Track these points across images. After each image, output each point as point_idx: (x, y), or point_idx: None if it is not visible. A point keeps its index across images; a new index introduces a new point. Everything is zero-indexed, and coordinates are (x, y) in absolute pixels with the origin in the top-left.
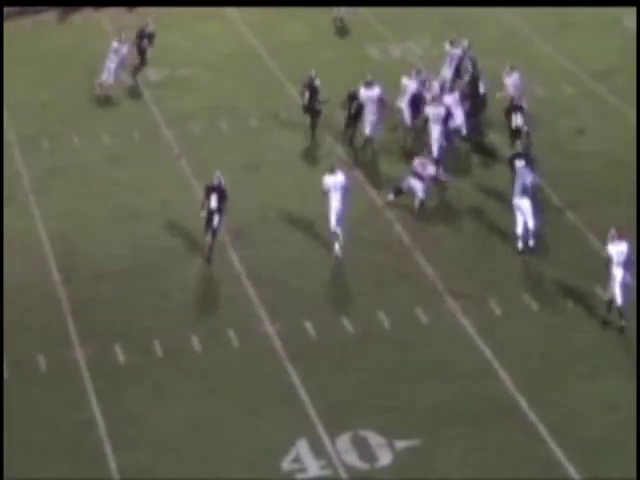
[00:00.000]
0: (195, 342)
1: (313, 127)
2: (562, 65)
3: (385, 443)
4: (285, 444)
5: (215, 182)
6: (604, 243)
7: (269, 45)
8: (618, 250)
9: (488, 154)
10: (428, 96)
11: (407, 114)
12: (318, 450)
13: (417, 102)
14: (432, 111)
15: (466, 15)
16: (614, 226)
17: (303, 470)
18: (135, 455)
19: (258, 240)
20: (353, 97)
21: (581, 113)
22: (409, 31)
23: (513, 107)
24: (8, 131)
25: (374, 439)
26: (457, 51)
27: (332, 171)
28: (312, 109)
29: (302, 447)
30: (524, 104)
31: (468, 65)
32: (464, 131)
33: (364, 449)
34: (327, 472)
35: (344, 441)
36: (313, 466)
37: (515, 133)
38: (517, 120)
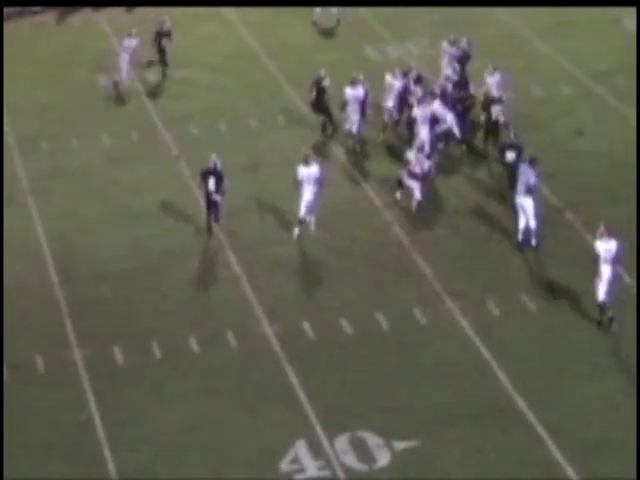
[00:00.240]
0: (194, 343)
1: (323, 126)
2: (561, 65)
3: (384, 444)
4: (284, 445)
5: (211, 165)
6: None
7: (268, 46)
8: (606, 247)
9: (486, 155)
10: (413, 99)
11: (395, 111)
12: (317, 451)
13: (404, 100)
14: (420, 112)
15: (465, 15)
16: (603, 223)
17: (302, 471)
18: (134, 456)
19: (257, 241)
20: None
21: (580, 113)
22: (408, 32)
23: (490, 100)
24: (7, 132)
25: (372, 440)
26: (456, 51)
27: (306, 162)
28: (319, 108)
29: (301, 448)
30: (503, 98)
31: (456, 65)
32: (457, 133)
33: (362, 450)
34: (325, 473)
35: (342, 442)
36: (311, 467)
37: (493, 126)
38: (495, 111)
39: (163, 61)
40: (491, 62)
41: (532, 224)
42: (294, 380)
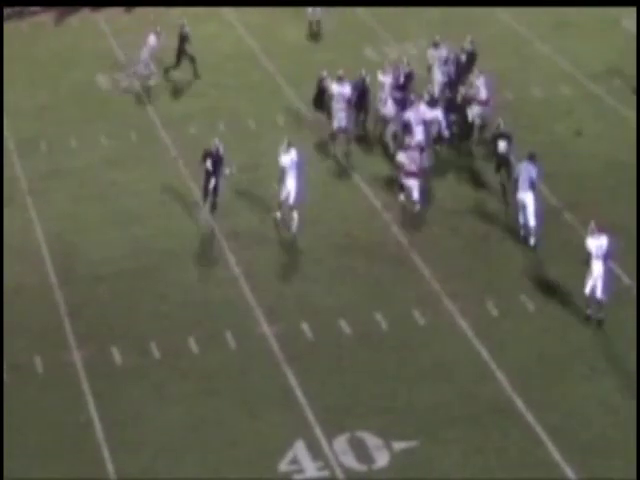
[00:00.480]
0: (193, 343)
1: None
2: (560, 66)
3: (382, 444)
4: (283, 445)
5: (212, 149)
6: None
7: (267, 46)
8: (597, 244)
9: (485, 155)
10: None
11: (389, 110)
12: (315, 451)
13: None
14: (413, 114)
15: (464, 16)
16: (594, 220)
17: (300, 471)
18: (133, 456)
19: (256, 242)
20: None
21: (579, 114)
22: (406, 32)
23: (467, 101)
24: (6, 133)
25: (371, 440)
26: (442, 53)
27: (287, 150)
28: (320, 107)
29: (299, 448)
30: (482, 97)
31: (451, 68)
32: (446, 133)
33: (361, 450)
34: (324, 473)
35: (341, 442)
36: (310, 467)
37: (468, 127)
38: (472, 113)
39: (179, 63)
40: (490, 62)
41: (531, 223)
42: (293, 381)
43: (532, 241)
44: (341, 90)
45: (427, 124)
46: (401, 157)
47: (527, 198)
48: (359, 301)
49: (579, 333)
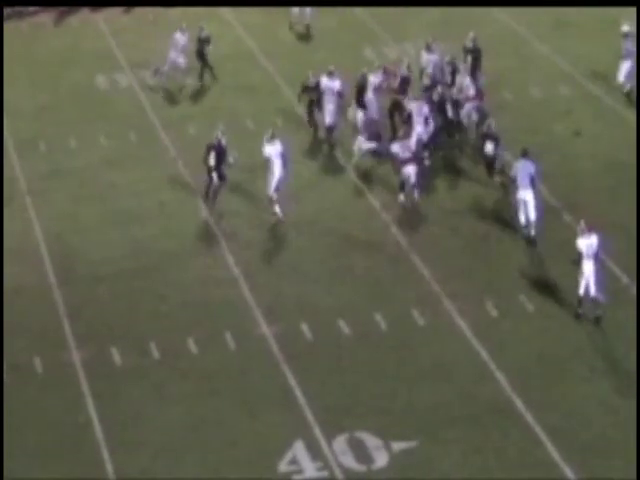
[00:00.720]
0: (192, 344)
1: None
2: (559, 66)
3: (382, 445)
4: (282, 446)
5: (215, 141)
6: (603, 244)
7: (266, 46)
8: (587, 243)
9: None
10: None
11: (374, 107)
12: (315, 452)
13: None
14: (415, 106)
15: (463, 16)
16: (584, 220)
17: (300, 472)
18: (133, 456)
19: (255, 242)
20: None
21: (578, 114)
22: (406, 32)
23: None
24: (5, 134)
25: (371, 441)
26: (433, 57)
27: (271, 140)
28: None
29: (299, 449)
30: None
31: (446, 69)
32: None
33: (361, 450)
34: (324, 474)
35: (341, 443)
36: (310, 468)
37: (449, 125)
38: (464, 111)
39: (207, 66)
40: (489, 62)
41: (532, 216)
42: (292, 381)
43: (532, 232)
44: (331, 85)
45: (428, 119)
46: (395, 147)
47: (527, 195)
48: (358, 301)
49: (578, 333)
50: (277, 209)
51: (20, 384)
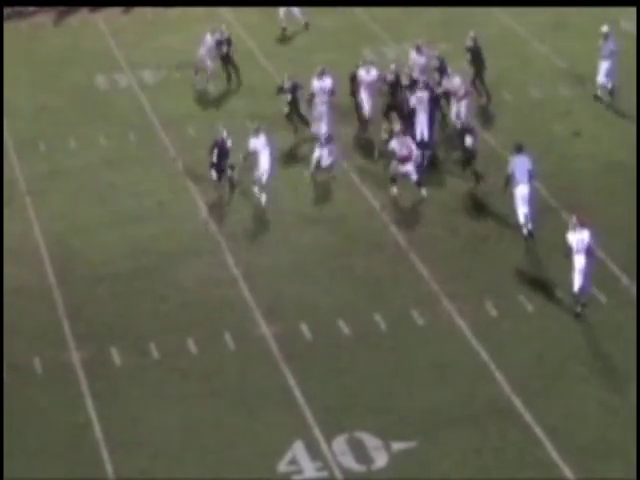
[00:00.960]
0: (191, 344)
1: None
2: (559, 66)
3: (381, 445)
4: (282, 446)
5: (218, 138)
6: (602, 244)
7: (265, 47)
8: (578, 238)
9: (484, 155)
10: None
11: (366, 106)
12: (314, 452)
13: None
14: (416, 100)
15: (462, 16)
16: (575, 214)
17: (299, 472)
18: (132, 457)
19: (254, 242)
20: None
21: (577, 115)
22: (405, 33)
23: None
24: (5, 134)
25: (370, 441)
26: (422, 60)
27: (256, 133)
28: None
29: (298, 449)
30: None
31: (435, 74)
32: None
33: (360, 451)
34: (323, 474)
35: (340, 443)
36: (309, 468)
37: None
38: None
39: (234, 67)
40: (489, 62)
41: (527, 210)
42: (292, 381)
43: (530, 226)
44: (322, 85)
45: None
46: (393, 144)
47: (526, 190)
48: (358, 301)
49: (578, 333)
50: (263, 197)
51: (20, 384)
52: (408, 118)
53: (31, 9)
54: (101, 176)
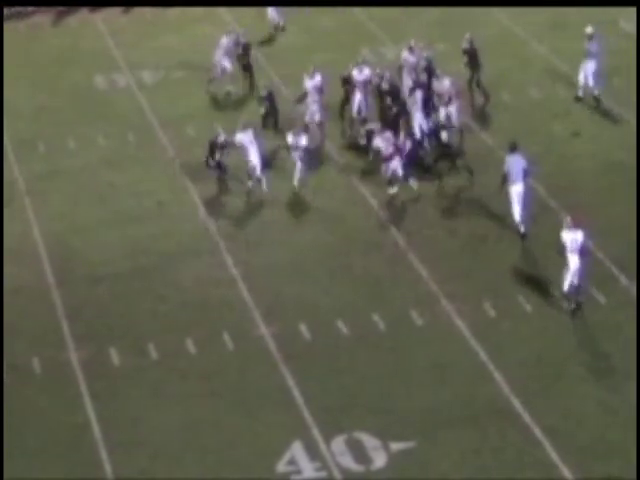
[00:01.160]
0: (190, 344)
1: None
2: (557, 66)
3: (380, 445)
4: (280, 446)
5: (216, 139)
6: (601, 244)
7: (264, 47)
8: (572, 238)
9: (483, 155)
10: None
11: (357, 106)
12: (313, 452)
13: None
14: (410, 101)
15: (461, 16)
16: (570, 214)
17: (298, 472)
18: (131, 457)
19: (253, 242)
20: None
21: (576, 115)
22: (403, 33)
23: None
24: (4, 134)
25: (369, 441)
26: (412, 59)
27: (243, 129)
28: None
29: (297, 449)
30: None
31: (421, 75)
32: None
33: (359, 451)
34: (322, 474)
35: (339, 443)
36: (308, 468)
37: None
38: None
39: (251, 74)
40: (487, 63)
41: (523, 209)
42: (291, 381)
43: (523, 228)
44: (313, 83)
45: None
46: (377, 142)
47: (521, 188)
48: (357, 302)
49: (577, 333)
50: (264, 184)
51: (19, 384)
52: (391, 123)
53: (30, 9)
54: (100, 176)
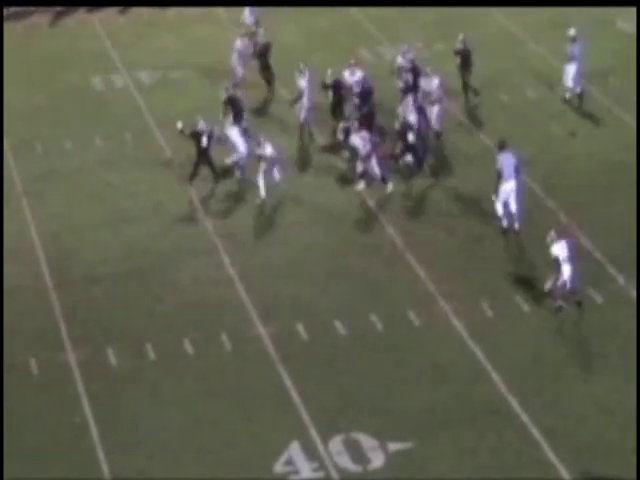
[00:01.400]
0: (188, 345)
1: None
2: (555, 66)
3: (378, 445)
4: (278, 446)
5: (202, 129)
6: (599, 245)
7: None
8: (560, 248)
9: (480, 156)
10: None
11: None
12: (311, 453)
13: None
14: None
15: (459, 16)
16: (554, 229)
17: (296, 472)
18: (129, 458)
19: (251, 243)
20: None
21: (573, 115)
22: (401, 33)
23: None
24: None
25: (367, 441)
26: (403, 61)
27: (236, 124)
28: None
29: (295, 449)
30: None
31: (409, 77)
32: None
33: (357, 451)
34: (320, 474)
35: (337, 443)
36: (306, 468)
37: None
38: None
39: (270, 75)
40: (485, 63)
41: (513, 208)
42: (288, 382)
43: (517, 226)
44: (305, 82)
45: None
46: (354, 140)
47: (513, 185)
48: (354, 302)
49: (574, 333)
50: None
51: (16, 385)
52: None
53: (28, 10)
54: (97, 176)
